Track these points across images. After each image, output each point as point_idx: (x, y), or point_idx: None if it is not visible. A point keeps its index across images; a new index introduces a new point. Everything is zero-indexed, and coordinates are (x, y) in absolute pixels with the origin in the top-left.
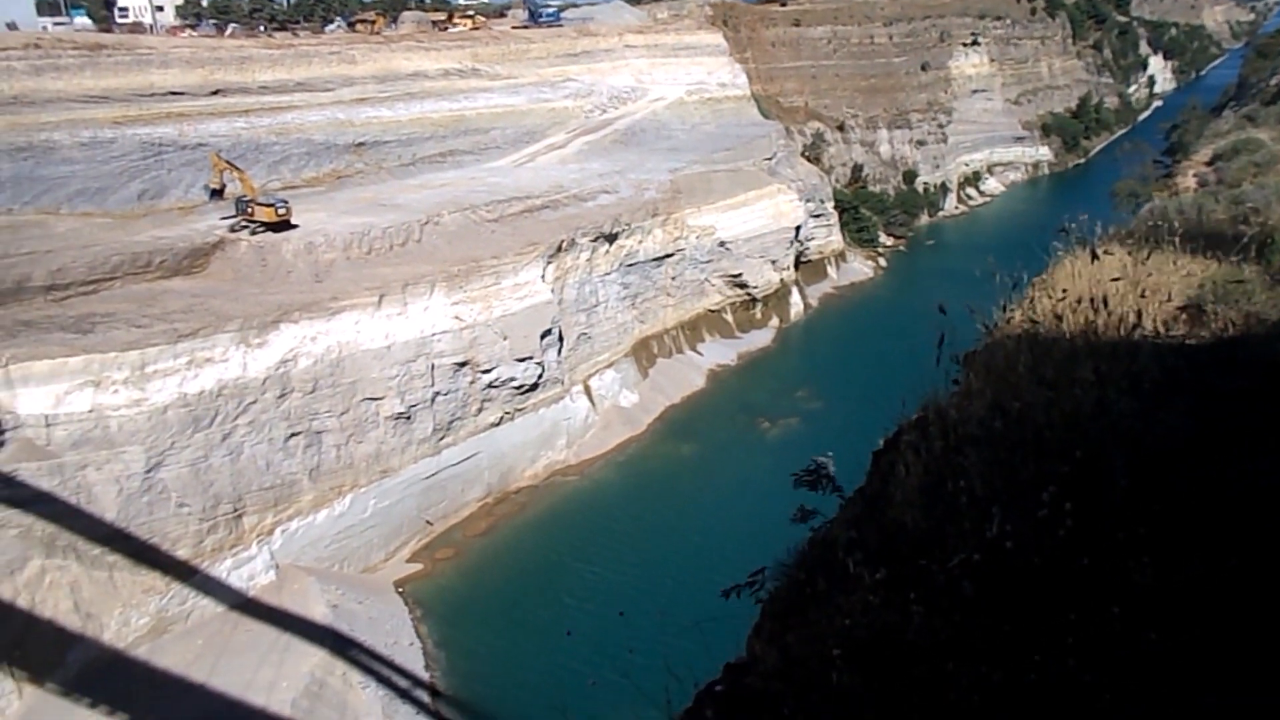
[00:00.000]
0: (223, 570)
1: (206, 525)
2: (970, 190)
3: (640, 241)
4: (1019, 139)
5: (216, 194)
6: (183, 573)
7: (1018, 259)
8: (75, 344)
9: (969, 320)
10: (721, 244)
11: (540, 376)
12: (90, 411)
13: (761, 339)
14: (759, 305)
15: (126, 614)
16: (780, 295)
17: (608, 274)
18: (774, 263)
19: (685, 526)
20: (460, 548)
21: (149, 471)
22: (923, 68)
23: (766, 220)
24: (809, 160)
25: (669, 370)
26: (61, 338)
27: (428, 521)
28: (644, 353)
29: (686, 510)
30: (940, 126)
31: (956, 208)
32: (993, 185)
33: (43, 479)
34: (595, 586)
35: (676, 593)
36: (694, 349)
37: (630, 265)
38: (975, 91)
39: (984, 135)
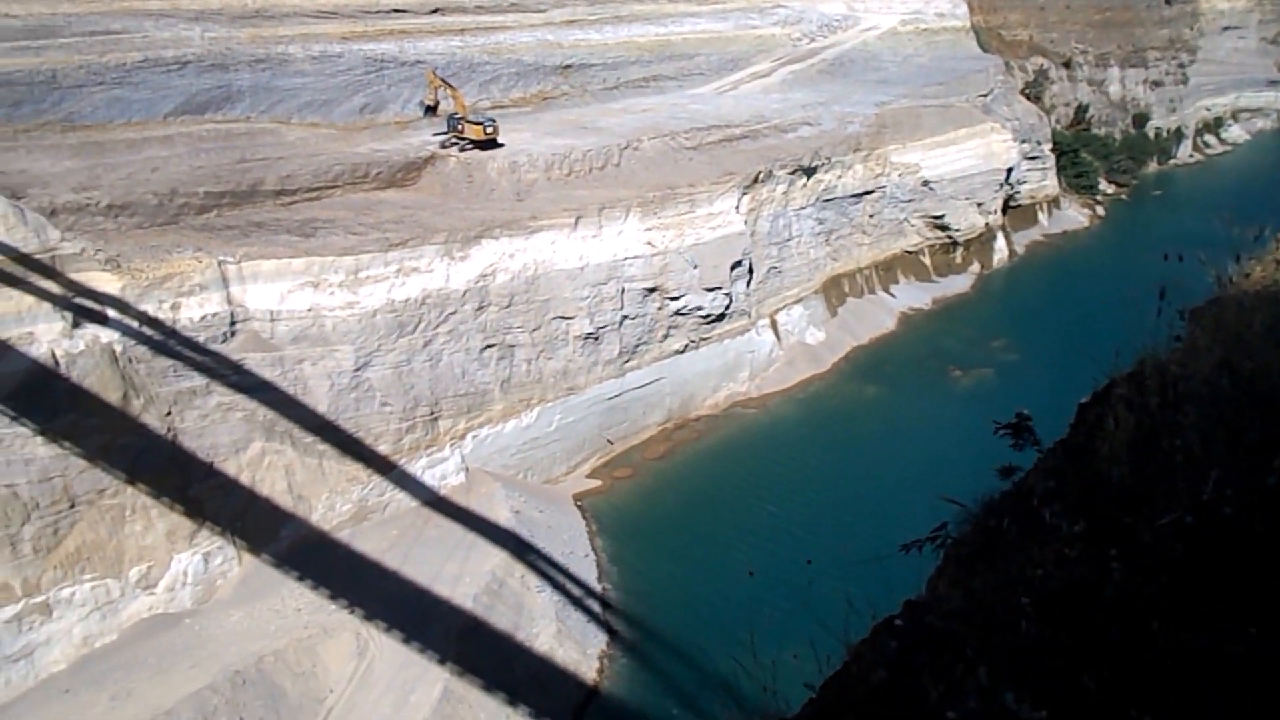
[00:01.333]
0: (418, 468)
1: (405, 425)
2: (1209, 138)
3: (839, 177)
4: (1273, 83)
5: (430, 110)
6: (382, 467)
7: (1261, 214)
8: (298, 246)
9: (1197, 274)
10: (925, 183)
11: (727, 307)
12: (309, 310)
13: (959, 285)
14: (959, 249)
15: (332, 499)
16: (983, 240)
17: (803, 208)
18: (980, 205)
19: (865, 469)
20: (638, 468)
21: (357, 370)
22: (1167, 1)
23: (976, 160)
24: (1028, 98)
25: (858, 310)
26: (287, 240)
27: (608, 440)
28: (834, 291)
29: (867, 452)
30: (1181, 66)
31: (1191, 156)
32: (1236, 133)
33: (265, 369)
34: (769, 518)
35: (852, 532)
36: (886, 290)
37: (827, 201)
38: (1226, 29)
39: (1231, 77)
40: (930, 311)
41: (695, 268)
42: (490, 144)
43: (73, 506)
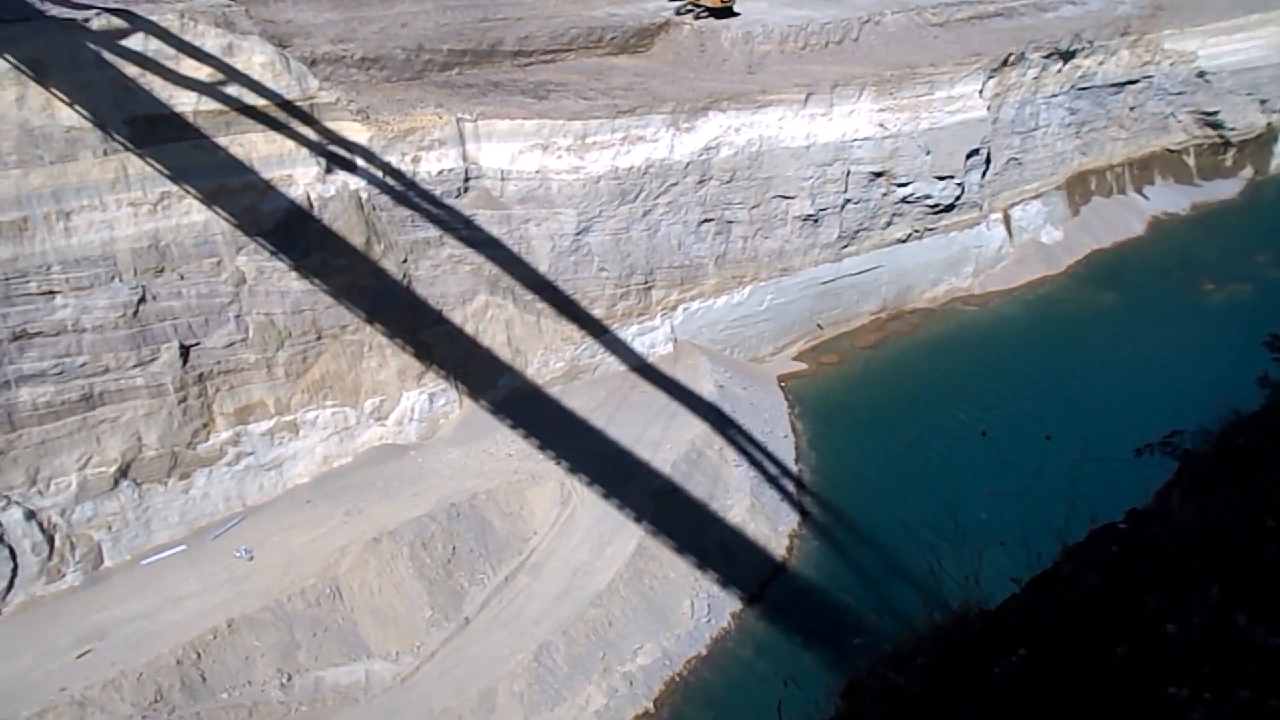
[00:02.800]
0: (629, 334)
1: (620, 291)
2: None
3: (1100, 63)
4: None
5: None
6: (595, 330)
7: None
8: (531, 108)
9: None
10: (1200, 74)
11: (958, 198)
12: (536, 172)
13: (1225, 190)
14: (1231, 151)
15: (547, 356)
16: (1261, 142)
17: (1054, 96)
18: (1263, 103)
19: (1092, 378)
20: (846, 356)
21: (578, 234)
22: None
23: (1267, 51)
24: None
25: (1103, 210)
26: (521, 101)
27: (818, 325)
28: (1078, 187)
29: (1096, 362)
30: None
31: None
32: None
33: (494, 226)
34: (980, 418)
35: (1073, 440)
36: (1139, 191)
37: (1082, 89)
38: None
39: None
40: (1187, 218)
41: (927, 154)
42: (726, 12)
43: (319, 338)
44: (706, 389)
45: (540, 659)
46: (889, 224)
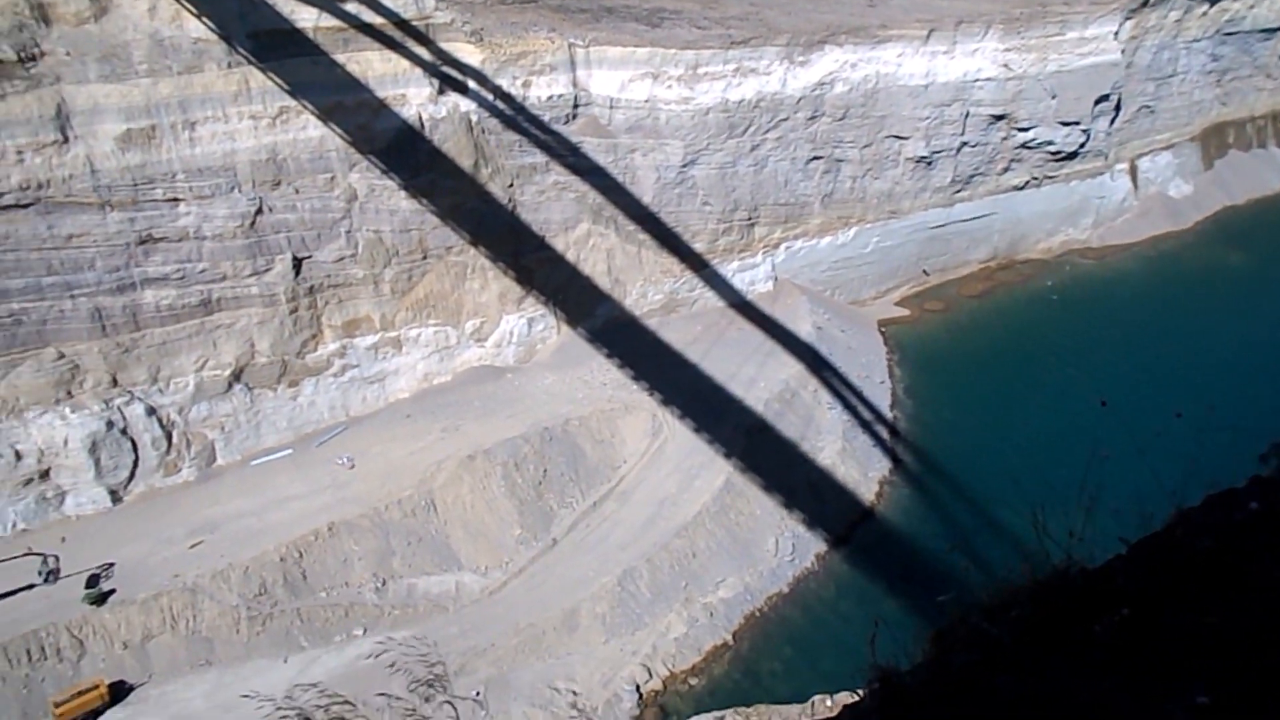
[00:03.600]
0: (729, 270)
1: (722, 226)
2: None
3: (1251, 6)
4: None
5: None
6: (696, 264)
7: None
8: (644, 36)
9: None
10: None
11: (1082, 145)
12: (646, 101)
13: None
14: None
15: (645, 287)
16: None
17: (1196, 40)
18: None
19: (1217, 344)
20: (951, 304)
21: (684, 166)
22: None
23: None
24: None
25: (1241, 165)
26: (634, 28)
27: (924, 271)
28: (1215, 140)
29: (1222, 327)
30: None
31: None
32: None
33: (600, 154)
34: (1092, 378)
35: (1198, 401)
36: None
37: (1228, 34)
38: None
39: None
40: None
41: (1053, 98)
42: None
43: (425, 258)
44: (804, 329)
45: (624, 584)
46: (1006, 169)
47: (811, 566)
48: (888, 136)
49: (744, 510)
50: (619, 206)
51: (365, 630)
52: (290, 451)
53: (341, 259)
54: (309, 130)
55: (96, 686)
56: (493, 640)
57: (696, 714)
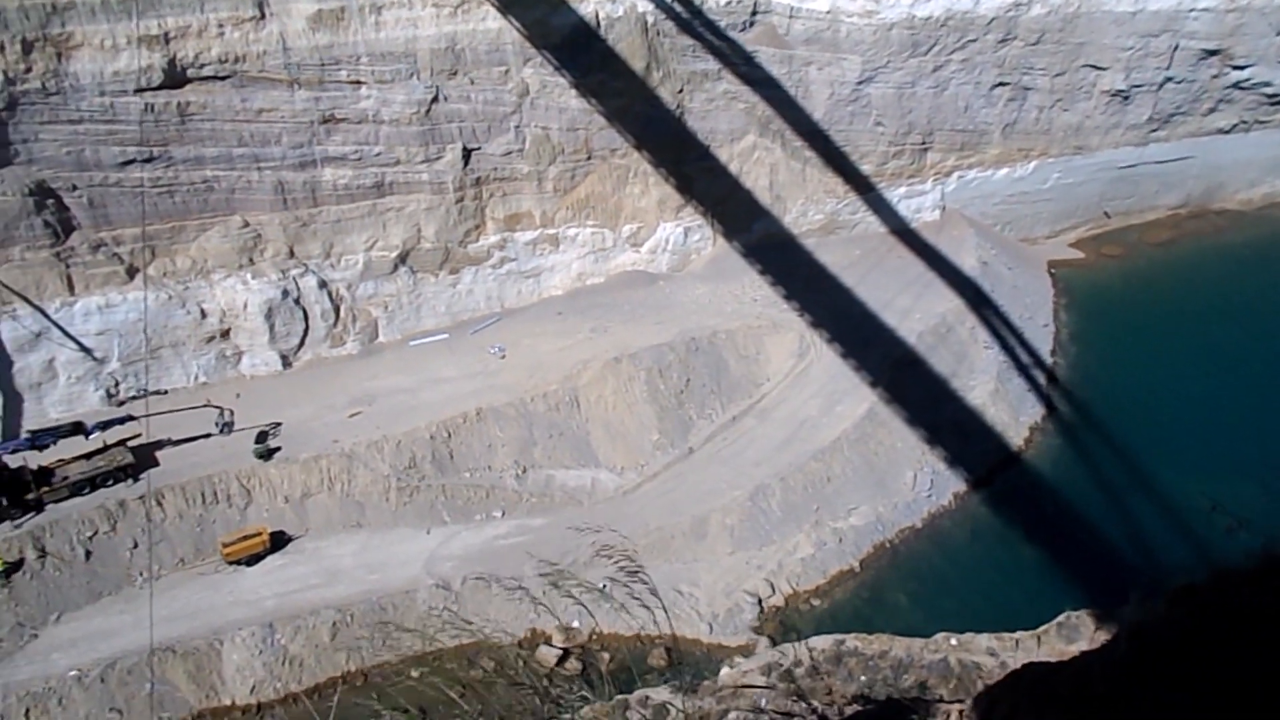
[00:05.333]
0: (895, 195)
1: (893, 149)
2: None
3: None
4: None
5: None
6: (861, 186)
7: None
8: None
9: None
10: None
11: None
12: (827, 12)
13: None
14: None
15: (806, 206)
16: None
17: None
18: None
19: None
20: (1131, 250)
21: (860, 83)
22: None
23: None
24: None
25: None
26: None
27: (1106, 213)
28: None
29: None
30: None
31: None
32: None
33: (774, 65)
34: (1273, 346)
35: None
36: None
37: None
38: None
39: None
40: None
41: (1278, 34)
42: None
43: (588, 158)
44: (968, 263)
45: (755, 499)
46: (1211, 110)
47: (948, 505)
48: (1083, 66)
49: (884, 441)
50: (788, 121)
51: (503, 513)
52: (446, 336)
53: (509, 153)
54: (488, 22)
55: (260, 533)
56: (622, 539)
57: (817, 634)
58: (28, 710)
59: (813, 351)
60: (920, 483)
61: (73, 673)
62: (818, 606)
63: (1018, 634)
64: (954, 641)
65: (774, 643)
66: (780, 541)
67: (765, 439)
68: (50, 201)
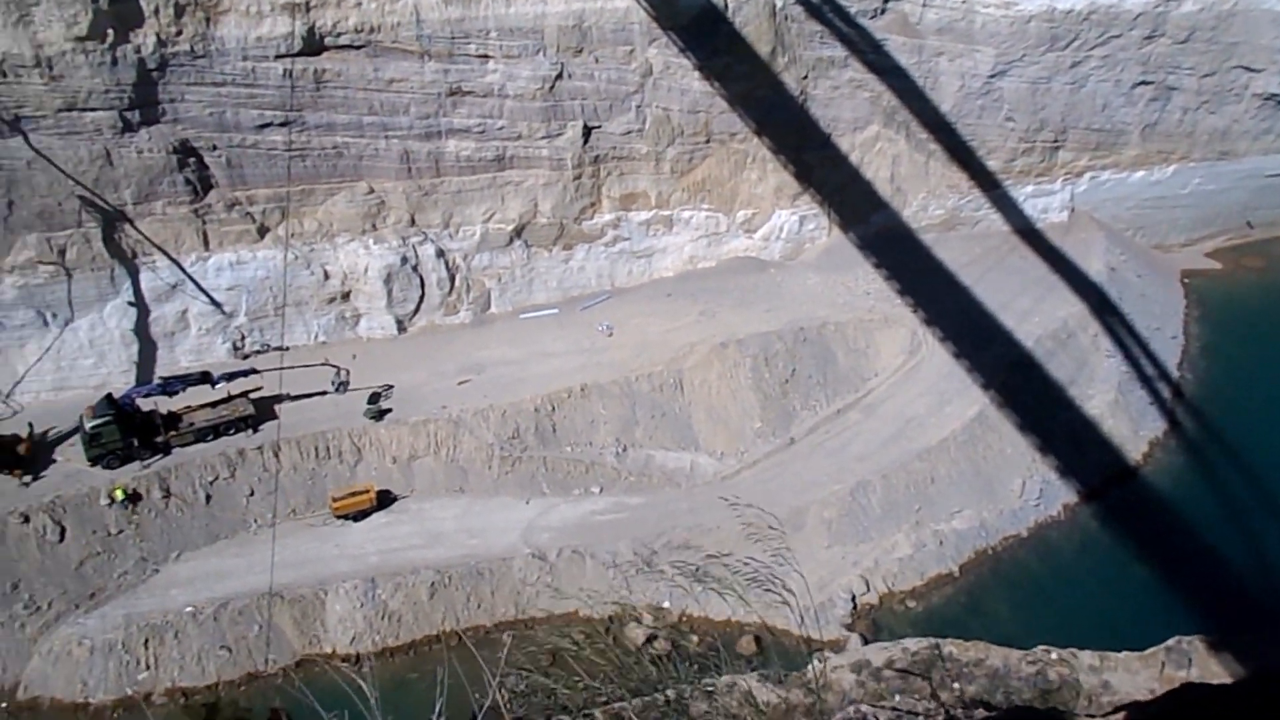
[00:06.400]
0: (1021, 194)
1: (1023, 146)
2: None
3: None
4: None
5: None
6: (986, 183)
7: None
8: None
9: None
10: None
11: None
12: (962, 2)
13: None
14: None
15: (927, 200)
16: None
17: None
18: None
19: None
20: (1275, 263)
21: (992, 76)
22: None
23: None
24: None
25: None
26: None
27: (1249, 223)
28: None
29: None
30: None
31: None
32: None
33: (903, 54)
34: None
35: None
36: None
37: None
38: None
39: None
40: None
41: None
42: None
43: (708, 141)
44: (1095, 268)
45: (855, 495)
46: None
47: (1057, 516)
48: (1235, 67)
49: (993, 445)
50: (914, 112)
51: (601, 489)
52: (556, 311)
53: (629, 132)
54: (616, 1)
55: (367, 491)
56: (719, 523)
57: (910, 636)
58: (146, 640)
59: (924, 349)
60: (1029, 491)
61: (189, 609)
62: (913, 608)
63: (1122, 654)
64: (1054, 656)
65: (866, 640)
66: (878, 539)
67: (870, 434)
68: (192, 160)
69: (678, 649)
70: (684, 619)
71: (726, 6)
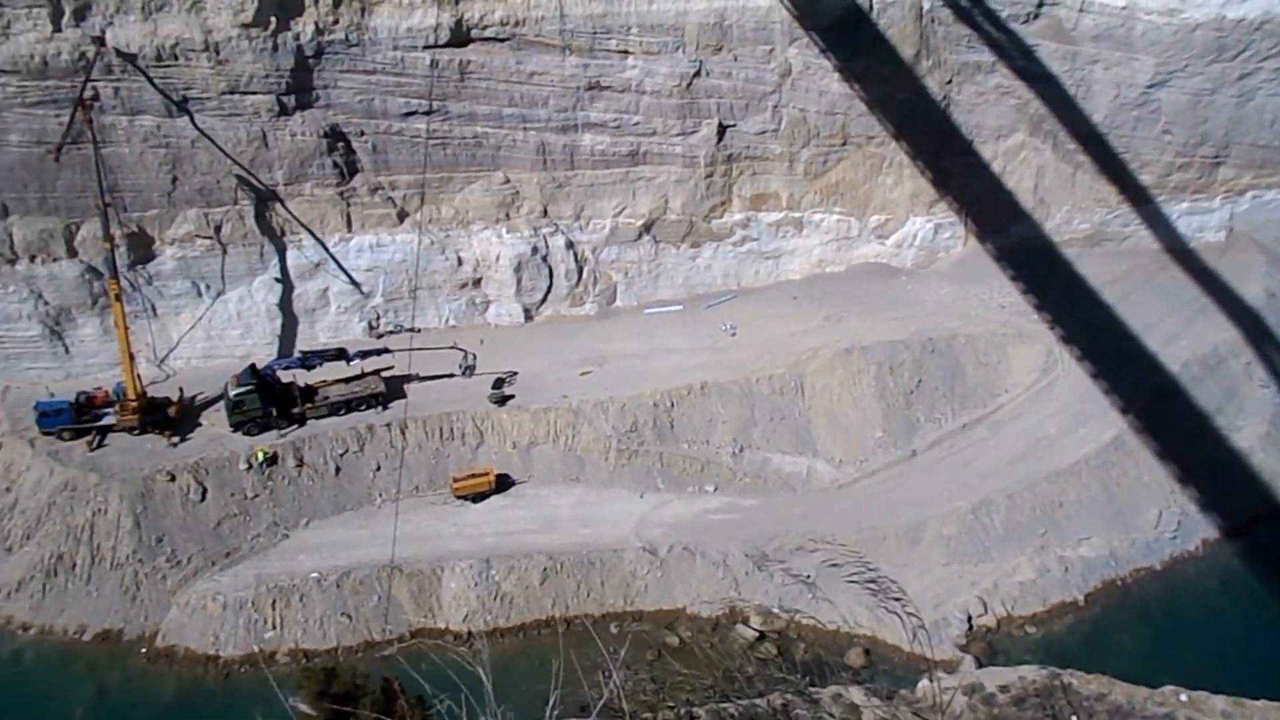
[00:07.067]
0: (1175, 211)
1: (1180, 161)
2: None
3: None
4: None
5: None
6: (1137, 198)
7: None
8: None
9: None
10: None
11: None
12: (1123, 8)
13: None
14: None
15: (1072, 214)
16: None
17: None
18: None
19: None
20: None
21: (1150, 86)
22: None
23: None
24: None
25: None
26: None
27: None
28: None
29: None
30: None
31: None
32: None
33: (1055, 61)
34: None
35: None
36: None
37: None
38: None
39: None
40: None
41: None
42: None
43: (844, 144)
44: (1253, 292)
45: (977, 513)
46: None
47: (1195, 550)
48: None
49: (1129, 472)
50: (1063, 121)
51: (716, 488)
52: (680, 308)
53: (763, 132)
54: (758, 0)
55: (487, 473)
56: (833, 531)
57: (1028, 663)
58: (274, 601)
59: (1060, 367)
60: (1165, 522)
61: (314, 574)
62: (1032, 634)
63: (1260, 702)
64: (1183, 698)
65: (980, 663)
66: (999, 560)
67: (996, 452)
68: (340, 144)
69: (784, 654)
70: (792, 625)
71: (871, 7)
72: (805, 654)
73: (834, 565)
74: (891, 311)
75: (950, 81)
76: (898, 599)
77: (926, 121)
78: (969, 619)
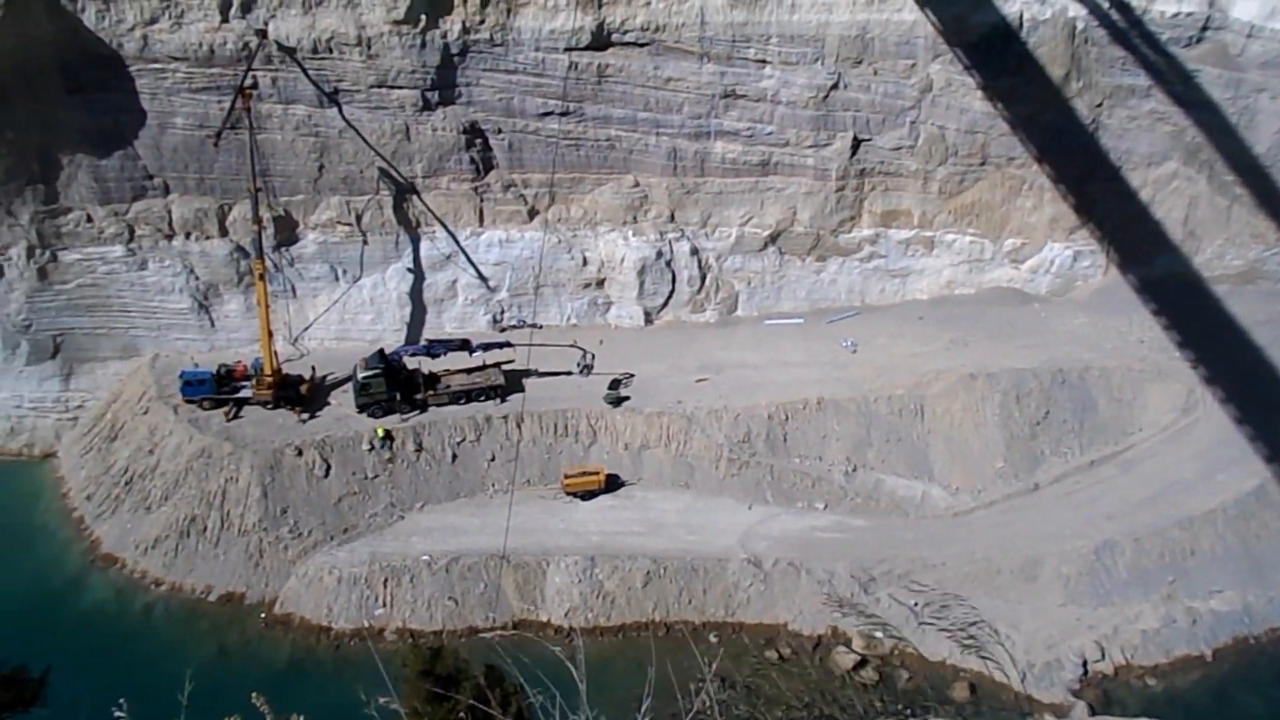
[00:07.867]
0: None
1: None
2: None
3: None
4: None
5: None
6: None
7: None
8: None
9: None
10: None
11: None
12: None
13: None
14: None
15: (1224, 248)
16: None
17: None
18: None
19: None
20: None
21: None
22: None
23: None
24: None
25: None
26: None
27: None
28: None
29: None
30: None
31: None
32: None
33: (1216, 88)
34: None
35: None
36: None
37: None
38: None
39: None
40: None
41: None
42: None
43: (982, 164)
44: None
45: (1100, 555)
46: None
47: None
48: None
49: (1270, 524)
50: (1221, 151)
51: (825, 506)
52: (801, 321)
53: (899, 148)
54: (903, 13)
55: (598, 472)
56: (945, 559)
57: (1146, 717)
58: (386, 580)
59: (1201, 409)
60: None
61: (425, 557)
62: (1152, 686)
63: None
64: None
65: (1094, 711)
66: (1121, 605)
67: (1124, 492)
68: (478, 141)
69: (886, 681)
70: (895, 652)
71: (1021, 25)
72: (908, 683)
73: (934, 615)
74: (1021, 339)
75: (1100, 105)
76: (988, 657)
77: (1072, 145)
78: (1084, 663)
